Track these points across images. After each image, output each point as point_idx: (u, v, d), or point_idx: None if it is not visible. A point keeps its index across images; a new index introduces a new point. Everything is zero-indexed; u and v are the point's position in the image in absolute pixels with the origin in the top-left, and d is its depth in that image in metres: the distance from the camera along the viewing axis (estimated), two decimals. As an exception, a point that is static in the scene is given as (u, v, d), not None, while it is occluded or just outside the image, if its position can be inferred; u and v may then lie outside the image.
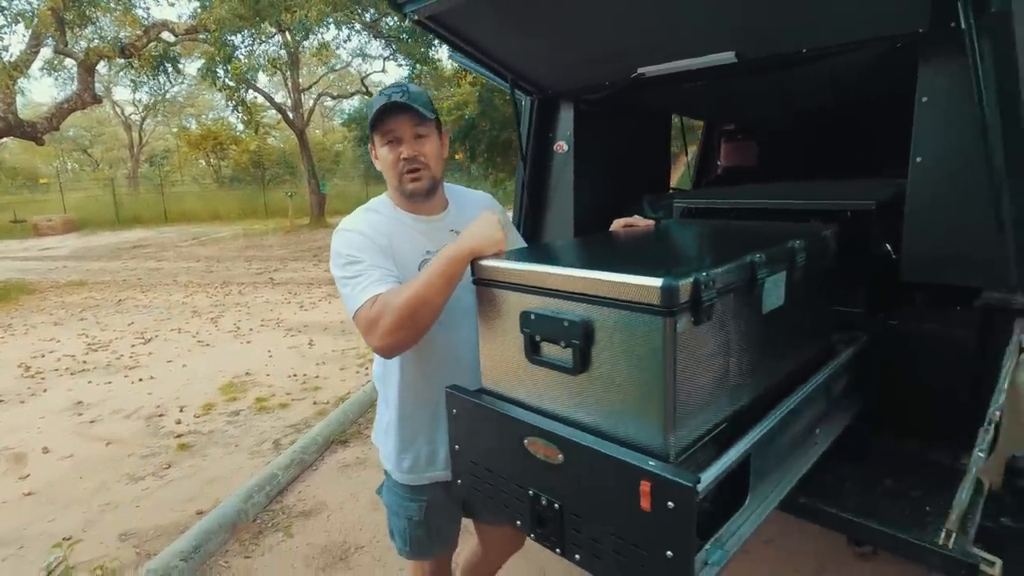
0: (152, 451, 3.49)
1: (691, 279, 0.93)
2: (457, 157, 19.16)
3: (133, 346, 5.72)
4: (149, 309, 7.32)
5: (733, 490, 1.11)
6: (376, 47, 15.20)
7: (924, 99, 1.39)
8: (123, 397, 4.38)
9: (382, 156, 1.40)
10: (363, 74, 18.48)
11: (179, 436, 3.67)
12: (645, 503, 0.92)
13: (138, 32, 9.57)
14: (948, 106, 1.34)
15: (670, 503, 0.89)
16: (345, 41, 12.99)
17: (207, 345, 5.68)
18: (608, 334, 0.99)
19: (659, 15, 1.60)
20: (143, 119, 29.03)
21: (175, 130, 26.82)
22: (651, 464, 0.92)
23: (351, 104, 23.05)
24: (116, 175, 26.87)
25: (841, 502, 1.28)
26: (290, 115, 16.63)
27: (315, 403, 4.10)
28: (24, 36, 8.85)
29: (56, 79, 12.50)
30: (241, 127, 19.39)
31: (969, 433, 1.22)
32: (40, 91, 40.62)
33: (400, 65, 14.16)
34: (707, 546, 0.99)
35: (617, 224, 1.62)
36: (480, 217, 1.28)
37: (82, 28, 9.81)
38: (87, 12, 9.16)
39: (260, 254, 11.99)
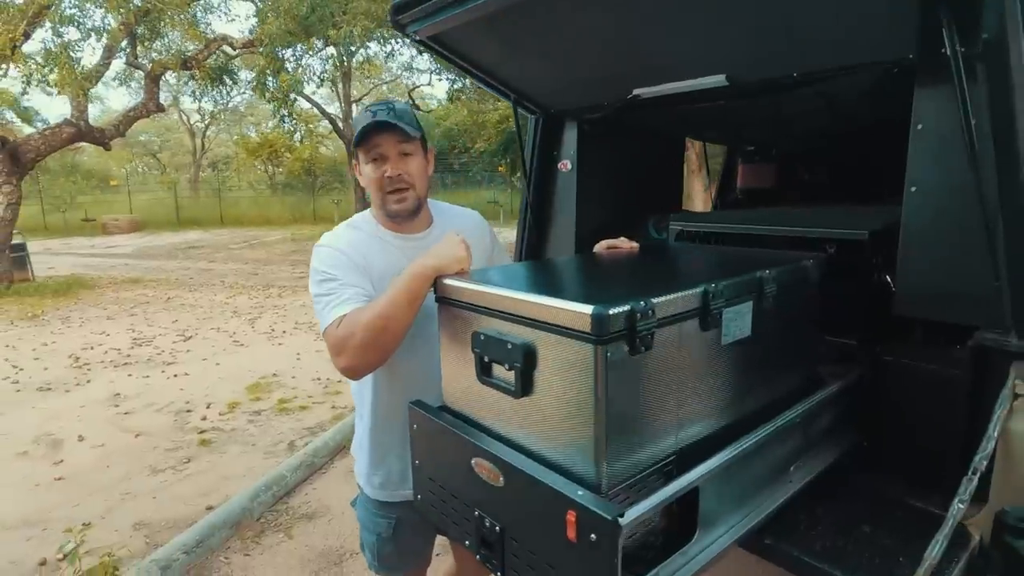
0: (176, 445, 3.65)
1: (627, 307, 0.91)
2: (500, 170, 19.36)
3: (174, 342, 6.01)
4: (194, 308, 7.68)
5: (684, 524, 1.08)
6: (424, 61, 15.57)
7: (919, 127, 1.32)
8: (158, 391, 4.61)
9: (366, 173, 1.42)
10: (410, 87, 18.97)
11: (202, 432, 3.82)
12: (571, 533, 0.91)
13: (199, 46, 10.16)
14: (943, 135, 1.27)
15: (593, 535, 0.88)
16: (388, 56, 13.31)
17: (241, 345, 5.91)
18: (548, 359, 0.99)
19: (653, 38, 1.59)
20: (206, 127, 30.63)
21: (235, 138, 28.16)
22: (578, 494, 0.91)
23: (401, 115, 23.63)
24: (179, 179, 28.41)
25: (807, 545, 1.22)
26: (340, 125, 17.21)
27: (334, 407, 4.20)
28: (95, 49, 9.52)
29: (129, 88, 13.40)
30: (297, 136, 20.24)
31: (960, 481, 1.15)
32: (116, 99, 43.47)
33: (441, 79, 14.48)
34: (642, 581, 0.96)
35: (601, 246, 1.61)
36: (446, 236, 1.30)
37: (152, 42, 10.51)
38: (157, 27, 9.80)
39: (304, 259, 12.32)
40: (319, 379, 4.81)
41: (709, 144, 3.48)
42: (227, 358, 5.48)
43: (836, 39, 1.34)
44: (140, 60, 10.64)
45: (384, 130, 1.36)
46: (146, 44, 10.51)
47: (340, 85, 16.81)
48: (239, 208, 22.71)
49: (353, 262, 1.36)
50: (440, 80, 15.45)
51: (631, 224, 2.38)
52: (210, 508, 2.86)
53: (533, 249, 2.36)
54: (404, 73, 18.71)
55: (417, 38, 1.85)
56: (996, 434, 1.20)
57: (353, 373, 1.28)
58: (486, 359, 1.10)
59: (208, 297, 8.41)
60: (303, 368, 5.11)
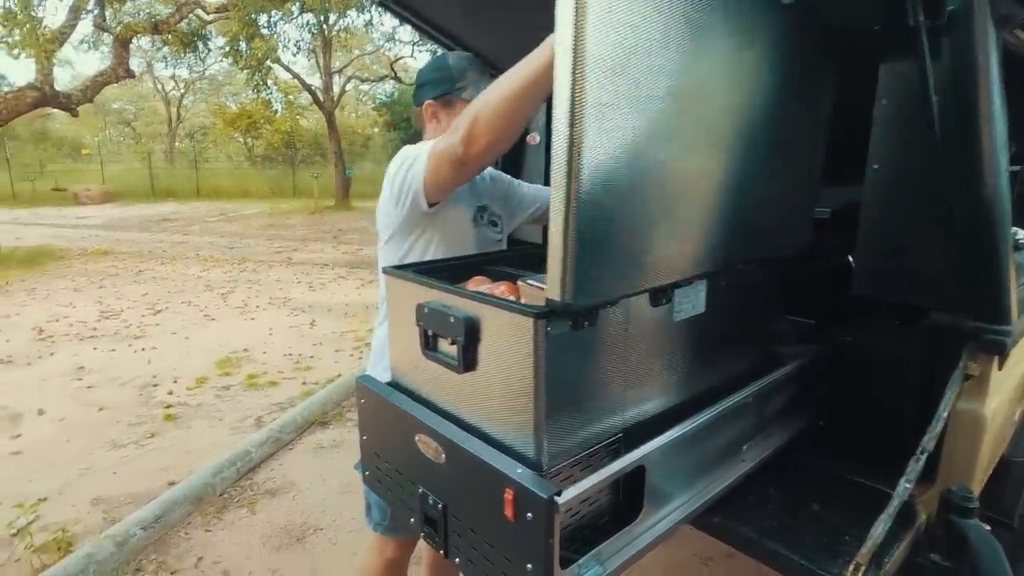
0: (139, 420, 3.58)
1: (569, 280, 0.87)
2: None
3: (143, 316, 5.88)
4: (165, 281, 7.51)
5: (630, 502, 1.06)
6: (407, 32, 15.22)
7: (883, 102, 1.29)
8: (123, 365, 4.51)
9: None
10: (393, 59, 18.54)
11: (168, 407, 3.75)
12: (508, 511, 0.88)
13: (171, 9, 9.78)
14: (906, 112, 1.25)
15: (529, 514, 0.85)
16: (367, 25, 12.96)
17: (212, 319, 5.80)
18: (490, 333, 0.95)
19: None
20: (182, 95, 29.74)
21: (213, 107, 27.38)
22: (517, 472, 0.88)
23: (384, 88, 23.19)
24: (154, 149, 27.64)
25: (756, 523, 1.22)
26: (320, 97, 16.80)
27: (304, 383, 4.15)
28: (58, 9, 9.10)
29: (100, 53, 12.87)
30: (276, 107, 19.73)
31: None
32: (88, 64, 41.94)
33: (423, 51, 14.19)
34: (581, 560, 0.95)
35: None
36: None
37: (122, 4, 10.09)
38: (127, -12, 9.40)
39: (282, 233, 12.19)
40: (290, 355, 4.75)
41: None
42: (197, 332, 5.38)
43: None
44: (108, 23, 10.23)
45: None
46: (115, 6, 10.09)
47: (320, 56, 16.33)
48: (216, 180, 22.18)
49: None
50: (422, 52, 15.12)
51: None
52: (172, 483, 2.81)
53: (501, 224, 2.31)
54: (386, 44, 18.26)
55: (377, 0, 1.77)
56: (946, 415, 1.20)
57: (483, 154, 1.14)
58: (430, 332, 1.06)
59: (180, 270, 8.23)
60: (275, 343, 5.03)
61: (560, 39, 0.74)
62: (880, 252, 1.34)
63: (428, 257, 1.35)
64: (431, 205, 1.29)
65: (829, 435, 1.48)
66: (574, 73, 0.74)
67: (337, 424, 3.55)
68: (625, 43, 0.79)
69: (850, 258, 1.60)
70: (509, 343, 0.91)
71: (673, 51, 0.87)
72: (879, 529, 1.08)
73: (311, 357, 4.70)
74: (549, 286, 0.82)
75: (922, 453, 1.16)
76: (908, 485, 1.13)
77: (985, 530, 1.14)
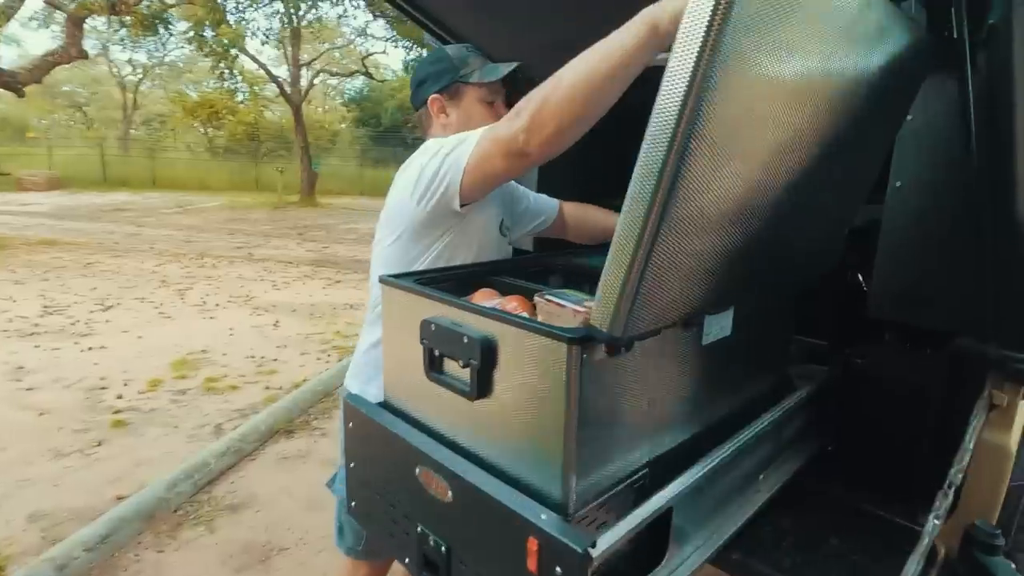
0: (85, 426, 3.31)
1: (608, 301, 0.77)
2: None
3: (91, 312, 5.51)
4: (117, 275, 7.09)
5: (654, 545, 0.97)
6: (379, 28, 14.94)
7: (909, 117, 1.25)
8: (68, 365, 4.19)
9: (477, 113, 1.35)
10: (364, 54, 18.20)
11: (117, 412, 3.49)
12: (531, 564, 0.77)
13: (131, -11, 9.31)
14: (936, 127, 1.20)
15: (559, 568, 0.75)
16: (339, 17, 12.67)
17: (168, 317, 5.48)
18: (511, 357, 0.84)
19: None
20: (139, 81, 28.50)
21: (172, 95, 26.28)
22: (542, 519, 0.77)
23: (354, 84, 22.74)
24: (107, 136, 26.39)
25: (776, 561, 1.14)
26: (287, 89, 16.31)
27: (267, 388, 3.93)
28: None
29: (52, 31, 12.18)
30: (239, 97, 19.12)
31: (931, 492, 1.09)
32: (38, 44, 39.87)
33: (396, 47, 13.98)
34: (607, 613, 0.84)
35: None
36: None
37: (77, -20, 9.54)
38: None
39: (244, 228, 11.74)
40: (253, 357, 4.50)
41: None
42: (151, 331, 5.06)
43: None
44: (62, 0, 9.66)
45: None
46: (70, -17, 9.54)
47: (288, 47, 15.86)
48: (174, 170, 21.30)
49: None
50: (396, 48, 14.87)
51: (604, 204, 2.25)
52: (120, 498, 2.59)
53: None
54: (358, 39, 17.90)
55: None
56: (972, 446, 1.15)
57: (551, 141, 0.97)
58: (437, 353, 0.95)
59: (134, 264, 7.79)
60: (235, 345, 4.78)
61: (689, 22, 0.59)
62: (900, 273, 1.28)
63: (443, 264, 1.22)
64: (463, 205, 1.13)
65: (840, 463, 1.43)
66: (700, 58, 0.58)
67: (303, 433, 3.36)
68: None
69: (860, 277, 1.56)
70: (535, 369, 0.80)
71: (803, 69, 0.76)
72: (911, 569, 1.01)
73: (275, 360, 4.47)
74: (597, 317, 0.71)
75: (950, 487, 1.11)
76: (938, 522, 1.07)
77: (1012, 568, 1.09)
